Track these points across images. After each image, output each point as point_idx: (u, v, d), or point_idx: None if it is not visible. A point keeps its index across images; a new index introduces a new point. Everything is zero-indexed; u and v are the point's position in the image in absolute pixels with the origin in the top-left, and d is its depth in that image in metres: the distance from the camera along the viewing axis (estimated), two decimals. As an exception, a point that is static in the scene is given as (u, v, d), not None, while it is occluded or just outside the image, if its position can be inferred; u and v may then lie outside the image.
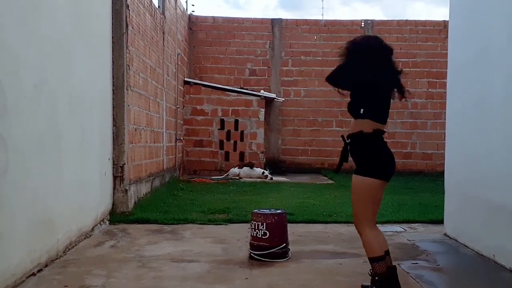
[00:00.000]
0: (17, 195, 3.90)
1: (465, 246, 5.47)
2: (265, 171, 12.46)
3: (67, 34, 5.06)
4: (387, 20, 14.94)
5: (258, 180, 12.01)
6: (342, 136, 3.81)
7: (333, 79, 3.76)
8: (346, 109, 3.83)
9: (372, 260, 3.56)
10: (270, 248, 4.76)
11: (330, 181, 12.20)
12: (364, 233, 3.60)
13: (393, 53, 3.76)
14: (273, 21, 14.87)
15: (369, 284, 3.66)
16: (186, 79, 13.57)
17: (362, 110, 3.63)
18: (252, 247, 4.88)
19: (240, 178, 12.23)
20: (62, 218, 4.86)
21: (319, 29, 14.82)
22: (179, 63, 12.45)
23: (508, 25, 4.71)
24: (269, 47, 14.73)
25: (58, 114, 4.79)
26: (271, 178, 12.07)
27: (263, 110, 13.56)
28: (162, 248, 5.29)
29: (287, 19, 14.90)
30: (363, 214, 3.61)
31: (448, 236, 5.95)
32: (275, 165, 14.29)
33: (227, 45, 14.66)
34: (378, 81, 3.58)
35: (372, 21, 14.77)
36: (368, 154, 3.62)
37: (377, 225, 6.65)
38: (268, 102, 14.14)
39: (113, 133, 6.85)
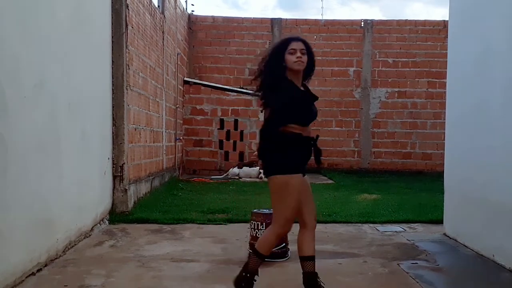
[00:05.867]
0: (17, 195, 3.89)
1: (464, 246, 5.47)
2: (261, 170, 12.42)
3: (67, 34, 5.05)
4: (386, 20, 14.94)
5: (258, 179, 12.01)
6: (317, 136, 3.75)
7: None
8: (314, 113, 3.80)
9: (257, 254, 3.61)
10: (269, 248, 4.76)
11: (330, 181, 12.20)
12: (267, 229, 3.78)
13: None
14: (273, 21, 14.88)
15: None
16: (185, 78, 13.56)
17: None
18: (252, 247, 4.88)
19: (240, 178, 12.23)
20: (61, 218, 4.86)
21: (318, 29, 14.82)
22: (179, 62, 12.44)
23: (508, 25, 4.72)
24: (269, 47, 14.72)
25: (57, 114, 4.79)
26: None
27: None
28: (161, 248, 5.29)
29: (286, 19, 14.91)
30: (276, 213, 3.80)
31: (448, 236, 5.96)
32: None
33: (227, 45, 14.67)
34: None
35: (372, 21, 14.77)
36: None
37: (377, 224, 6.74)
38: (268, 102, 14.12)
39: (112, 132, 6.85)
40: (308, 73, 3.60)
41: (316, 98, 3.58)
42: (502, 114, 4.77)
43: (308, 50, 3.51)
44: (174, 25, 11.88)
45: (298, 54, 3.42)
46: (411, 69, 14.56)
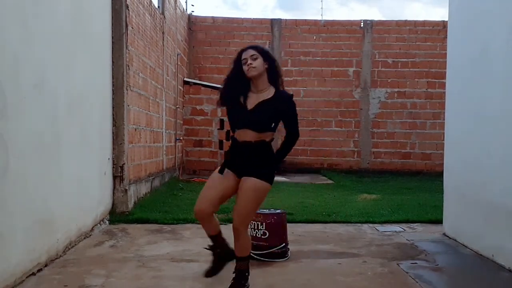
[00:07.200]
0: (17, 195, 3.90)
1: (464, 246, 5.48)
2: None
3: (67, 34, 5.06)
4: (386, 20, 14.95)
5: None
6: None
7: None
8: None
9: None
10: (269, 248, 4.77)
11: (329, 181, 12.21)
12: (246, 233, 3.85)
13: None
14: (273, 21, 14.88)
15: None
16: (185, 79, 13.57)
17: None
18: (252, 247, 4.88)
19: (240, 178, 12.21)
20: (61, 218, 4.87)
21: (318, 29, 14.82)
22: (179, 63, 12.45)
23: (507, 26, 4.73)
24: (269, 47, 14.70)
25: (57, 114, 4.79)
26: None
27: (262, 110, 13.55)
28: (161, 248, 5.30)
29: (286, 19, 14.90)
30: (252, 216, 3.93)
31: (447, 236, 5.97)
32: (274, 165, 14.28)
33: (227, 45, 14.66)
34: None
35: (371, 21, 14.78)
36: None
37: (377, 224, 6.75)
38: (268, 102, 14.13)
39: (112, 133, 6.86)
40: (272, 76, 3.62)
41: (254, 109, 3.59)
42: (502, 114, 4.78)
43: (263, 54, 3.58)
44: (174, 26, 11.89)
45: (249, 61, 3.54)
46: (411, 69, 14.56)
